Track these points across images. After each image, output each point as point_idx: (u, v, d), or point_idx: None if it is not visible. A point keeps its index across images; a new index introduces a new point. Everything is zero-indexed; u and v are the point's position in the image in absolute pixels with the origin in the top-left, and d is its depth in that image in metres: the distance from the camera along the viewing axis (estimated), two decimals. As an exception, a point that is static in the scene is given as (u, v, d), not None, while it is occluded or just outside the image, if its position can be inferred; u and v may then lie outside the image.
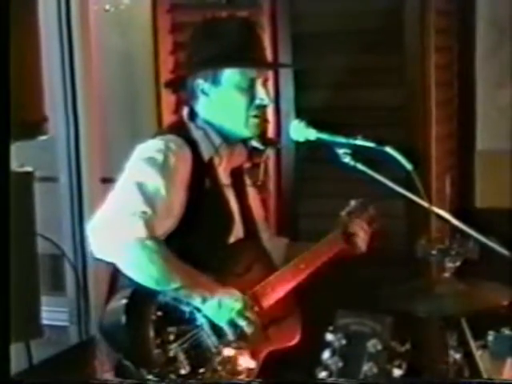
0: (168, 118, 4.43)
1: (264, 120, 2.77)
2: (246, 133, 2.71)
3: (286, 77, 4.24)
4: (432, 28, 4.24)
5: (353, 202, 2.96)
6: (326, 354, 2.26)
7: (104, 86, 4.73)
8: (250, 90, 2.68)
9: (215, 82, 2.68)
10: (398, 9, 4.16)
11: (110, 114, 4.79)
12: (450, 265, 2.56)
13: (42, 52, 3.53)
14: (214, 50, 2.68)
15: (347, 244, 2.88)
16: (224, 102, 2.69)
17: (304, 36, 4.35)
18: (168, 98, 4.50)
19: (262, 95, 2.69)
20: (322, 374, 2.24)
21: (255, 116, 2.69)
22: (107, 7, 4.88)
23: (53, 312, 4.51)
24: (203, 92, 2.70)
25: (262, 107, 2.71)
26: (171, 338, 2.50)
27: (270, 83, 3.89)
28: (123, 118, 4.86)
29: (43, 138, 3.53)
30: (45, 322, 3.87)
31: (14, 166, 3.39)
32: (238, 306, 2.54)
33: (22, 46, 3.29)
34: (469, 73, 4.70)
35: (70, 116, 4.59)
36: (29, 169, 3.63)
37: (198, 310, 2.55)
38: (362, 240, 2.91)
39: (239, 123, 2.69)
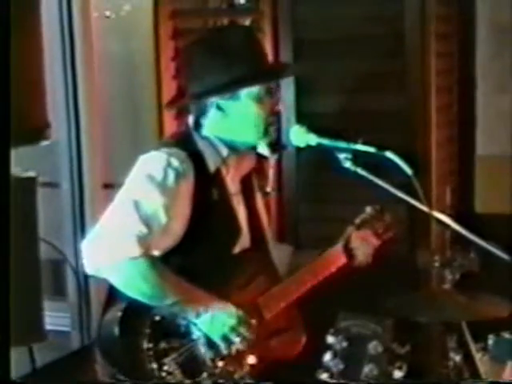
0: (169, 124, 4.45)
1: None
2: (263, 141, 2.68)
3: (287, 82, 4.26)
4: (433, 34, 4.27)
5: (368, 209, 2.88)
6: (327, 356, 2.28)
7: (106, 91, 4.74)
8: (267, 100, 2.66)
9: (234, 97, 2.63)
10: (399, 15, 4.19)
11: (112, 119, 4.80)
12: (450, 276, 2.56)
13: (44, 58, 3.55)
14: (226, 72, 2.61)
15: (349, 259, 2.81)
16: (243, 115, 2.65)
17: (305, 41, 4.37)
18: (169, 104, 4.52)
19: (276, 102, 2.71)
20: (323, 376, 2.26)
21: (271, 124, 2.69)
22: (108, 14, 4.90)
23: (55, 317, 4.52)
24: (219, 108, 2.65)
25: (275, 114, 2.72)
26: (166, 351, 2.51)
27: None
28: (125, 124, 4.86)
29: (46, 143, 3.54)
30: (47, 326, 3.88)
31: (18, 171, 3.41)
32: (232, 321, 2.55)
33: (25, 52, 3.30)
34: (469, 78, 4.71)
35: (72, 122, 4.59)
36: (32, 174, 3.64)
37: (195, 323, 2.55)
38: (363, 254, 2.82)
39: (258, 133, 2.66)
